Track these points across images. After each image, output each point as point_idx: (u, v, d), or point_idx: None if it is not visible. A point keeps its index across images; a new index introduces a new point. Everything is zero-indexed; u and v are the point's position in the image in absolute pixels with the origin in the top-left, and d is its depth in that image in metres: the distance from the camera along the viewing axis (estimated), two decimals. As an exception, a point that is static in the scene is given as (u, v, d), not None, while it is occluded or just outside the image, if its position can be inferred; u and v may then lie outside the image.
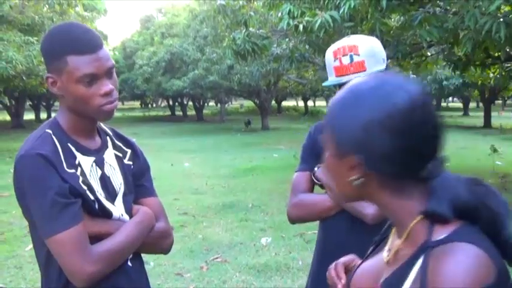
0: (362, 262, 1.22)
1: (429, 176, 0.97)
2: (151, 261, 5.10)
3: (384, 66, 1.85)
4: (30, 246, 5.38)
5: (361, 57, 1.82)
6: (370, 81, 1.00)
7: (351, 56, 1.83)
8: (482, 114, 26.44)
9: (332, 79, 1.90)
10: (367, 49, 1.83)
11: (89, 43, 1.50)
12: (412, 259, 0.96)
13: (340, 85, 1.89)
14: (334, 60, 1.87)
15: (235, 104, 52.95)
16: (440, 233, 0.94)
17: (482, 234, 0.94)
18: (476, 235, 0.93)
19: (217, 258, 5.40)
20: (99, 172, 1.61)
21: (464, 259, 0.88)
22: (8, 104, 28.88)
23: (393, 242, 1.08)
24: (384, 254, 1.09)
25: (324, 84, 2.16)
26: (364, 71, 1.81)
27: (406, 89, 0.95)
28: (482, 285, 0.86)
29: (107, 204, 1.58)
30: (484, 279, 0.87)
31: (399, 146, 0.93)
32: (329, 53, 1.91)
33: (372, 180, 0.99)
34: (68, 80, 1.50)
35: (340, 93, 1.03)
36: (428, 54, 9.04)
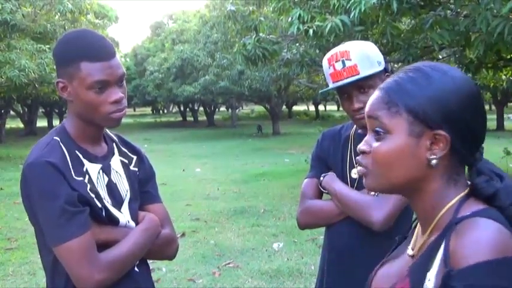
0: (380, 266, 1.20)
1: (479, 158, 1.03)
2: (163, 267, 5.12)
3: (380, 69, 1.84)
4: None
5: (353, 61, 1.81)
6: (443, 64, 1.06)
7: (343, 61, 1.83)
8: (494, 116, 26.21)
9: (330, 86, 1.91)
10: (359, 53, 1.83)
11: (102, 50, 1.52)
12: (438, 241, 0.97)
13: (338, 90, 1.90)
14: (329, 67, 1.87)
15: (246, 109, 52.97)
16: (465, 211, 0.96)
17: (505, 219, 0.95)
18: (500, 216, 0.94)
19: (229, 263, 5.40)
20: (106, 179, 1.61)
21: (485, 231, 0.89)
22: (21, 111, 29.15)
23: (417, 239, 1.09)
24: (408, 252, 1.09)
25: (321, 91, 2.16)
26: (358, 74, 1.80)
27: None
28: (504, 255, 0.85)
29: (114, 211, 1.59)
30: (506, 250, 0.86)
31: (481, 122, 1.01)
32: (324, 61, 1.92)
33: (443, 161, 1.00)
34: (79, 85, 1.51)
35: (407, 74, 1.03)
36: (440, 57, 8.99)
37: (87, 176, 1.55)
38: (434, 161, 0.99)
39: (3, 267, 5.43)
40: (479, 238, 0.88)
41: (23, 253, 5.87)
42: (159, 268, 5.07)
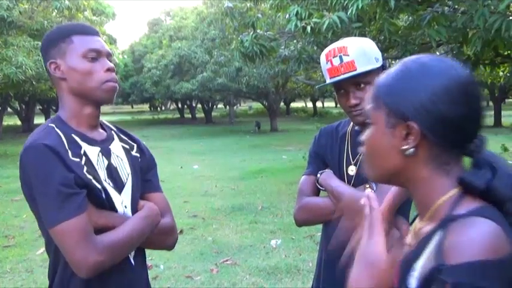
0: None
1: (476, 149, 1.01)
2: (161, 264, 5.12)
3: (377, 65, 1.84)
4: (41, 250, 5.41)
5: (350, 57, 1.81)
6: (429, 56, 1.05)
7: (341, 57, 1.83)
8: (492, 113, 26.25)
9: (327, 81, 1.91)
10: (356, 49, 1.83)
11: (90, 29, 1.65)
12: (431, 234, 0.98)
13: (335, 86, 1.90)
14: (326, 63, 1.88)
15: (244, 106, 52.96)
16: (462, 209, 0.96)
17: (503, 217, 0.95)
18: (497, 215, 0.94)
19: (227, 260, 5.41)
20: (106, 162, 1.61)
21: (481, 231, 0.89)
22: (19, 108, 29.09)
23: (415, 228, 1.10)
24: (407, 240, 1.12)
25: (318, 86, 2.17)
26: (355, 70, 1.80)
27: (462, 66, 1.03)
28: (497, 256, 0.86)
29: (114, 194, 1.58)
30: (499, 251, 0.87)
31: (460, 114, 0.99)
32: (322, 57, 1.92)
33: (423, 151, 1.01)
34: (72, 56, 1.57)
35: (394, 67, 1.07)
36: (437, 53, 8.99)
37: (84, 158, 1.54)
38: (408, 151, 1.01)
39: (1, 265, 5.42)
40: (475, 237, 0.88)
41: (20, 250, 5.86)
42: (156, 265, 5.08)
